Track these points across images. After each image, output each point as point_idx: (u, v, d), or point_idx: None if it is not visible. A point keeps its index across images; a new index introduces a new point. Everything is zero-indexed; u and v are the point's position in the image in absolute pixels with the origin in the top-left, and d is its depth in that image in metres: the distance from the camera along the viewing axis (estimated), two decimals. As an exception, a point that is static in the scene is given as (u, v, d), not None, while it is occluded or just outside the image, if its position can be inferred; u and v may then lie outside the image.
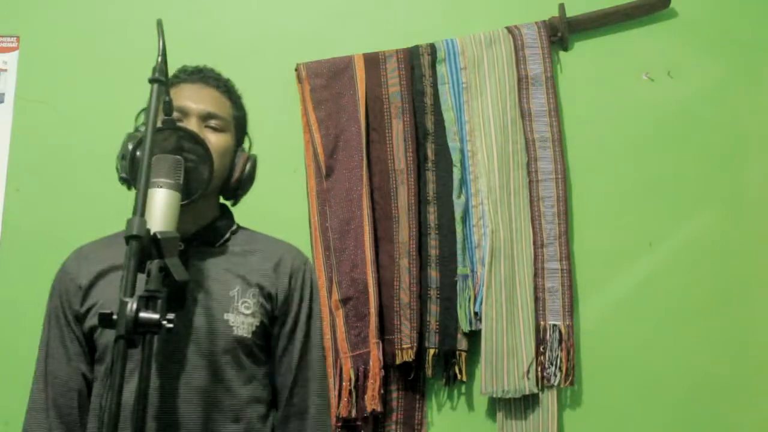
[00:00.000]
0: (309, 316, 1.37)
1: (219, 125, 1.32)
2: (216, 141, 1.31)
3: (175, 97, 1.30)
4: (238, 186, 1.36)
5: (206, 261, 1.30)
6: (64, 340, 1.31)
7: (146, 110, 1.10)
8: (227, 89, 1.39)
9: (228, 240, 1.36)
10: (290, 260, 1.38)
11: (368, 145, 1.89)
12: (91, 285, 1.29)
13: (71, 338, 1.31)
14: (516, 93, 1.91)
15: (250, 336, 1.26)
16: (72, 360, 1.30)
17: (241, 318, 1.26)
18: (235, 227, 1.40)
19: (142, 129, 1.33)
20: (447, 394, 1.85)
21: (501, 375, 1.77)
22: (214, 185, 1.33)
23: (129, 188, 1.28)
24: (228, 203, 1.43)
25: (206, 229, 1.33)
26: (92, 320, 1.27)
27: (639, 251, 1.92)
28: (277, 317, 1.34)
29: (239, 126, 1.40)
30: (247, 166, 1.37)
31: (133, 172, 1.24)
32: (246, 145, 1.45)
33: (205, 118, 1.31)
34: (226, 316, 1.25)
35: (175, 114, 1.29)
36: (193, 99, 1.31)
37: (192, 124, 1.29)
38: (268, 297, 1.32)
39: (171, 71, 1.13)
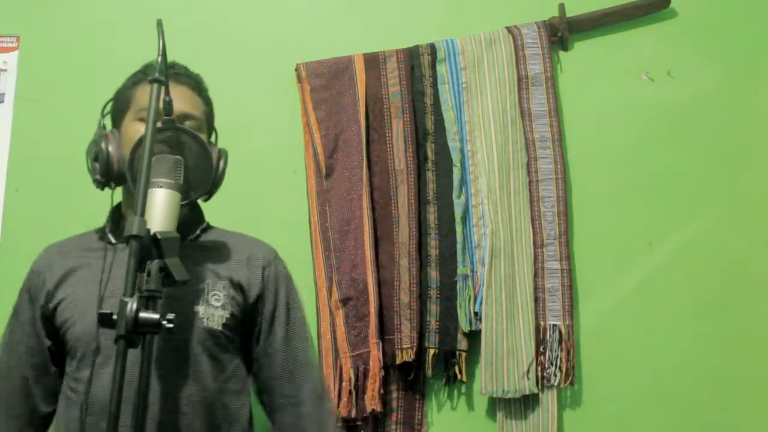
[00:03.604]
0: (287, 308, 1.36)
1: (195, 125, 1.30)
2: None
3: (147, 96, 1.21)
4: (213, 182, 1.34)
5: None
6: (23, 336, 1.32)
7: (147, 110, 1.10)
8: (198, 86, 1.37)
9: (199, 236, 1.36)
10: (261, 254, 1.37)
11: (368, 145, 1.89)
12: (61, 281, 1.30)
13: (31, 334, 1.31)
14: (516, 93, 1.91)
15: (220, 328, 1.26)
16: (26, 355, 1.31)
17: (211, 310, 1.26)
18: (205, 225, 1.40)
19: (107, 125, 1.33)
20: (447, 394, 1.85)
21: (501, 375, 1.77)
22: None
23: (102, 189, 1.28)
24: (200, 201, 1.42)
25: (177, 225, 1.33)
26: (62, 315, 1.27)
27: (639, 251, 1.92)
28: (252, 312, 1.33)
29: (209, 121, 1.39)
30: (221, 163, 1.34)
31: (132, 173, 1.24)
32: (213, 138, 1.43)
33: (181, 119, 1.28)
34: (196, 308, 1.25)
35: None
36: None
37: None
38: (239, 288, 1.31)
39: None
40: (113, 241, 1.31)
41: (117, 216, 1.36)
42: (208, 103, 1.39)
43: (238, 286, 1.31)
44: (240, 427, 1.29)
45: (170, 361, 1.22)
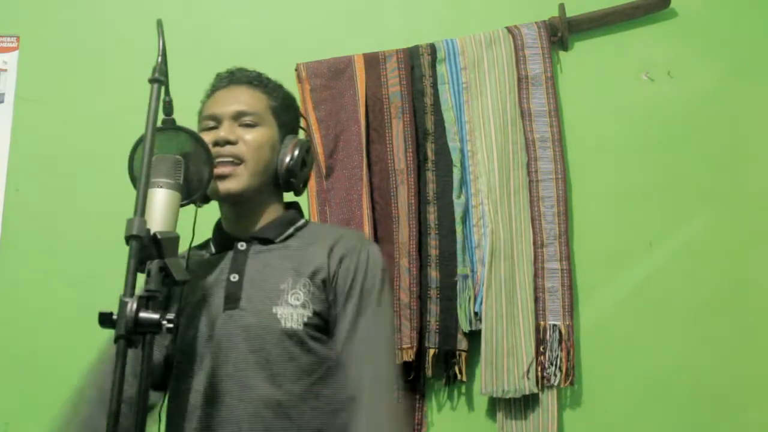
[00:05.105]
0: (363, 292, 1.27)
1: (251, 120, 1.30)
2: (250, 136, 1.30)
3: (210, 106, 1.33)
4: (290, 174, 1.32)
5: (263, 259, 1.29)
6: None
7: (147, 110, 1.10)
8: (259, 82, 1.36)
9: (292, 236, 1.33)
10: (346, 242, 1.31)
11: (368, 145, 1.90)
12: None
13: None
14: (516, 93, 1.91)
15: (301, 328, 1.22)
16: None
17: (290, 310, 1.22)
18: (302, 223, 1.37)
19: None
20: (447, 394, 1.85)
21: (501, 375, 1.77)
22: (263, 181, 1.31)
23: (200, 207, 1.29)
24: (295, 198, 1.41)
25: (265, 228, 1.32)
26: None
27: (639, 251, 1.92)
28: (333, 305, 1.27)
29: (280, 115, 1.36)
30: (296, 152, 1.32)
31: (132, 173, 1.24)
32: (303, 127, 1.42)
33: (236, 117, 1.30)
34: (274, 309, 1.22)
35: (210, 122, 1.31)
36: (222, 103, 1.32)
37: (225, 127, 1.29)
38: (323, 284, 1.26)
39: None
40: (213, 251, 1.34)
41: (217, 228, 1.37)
42: (276, 98, 1.37)
43: (320, 282, 1.26)
44: None
45: (249, 364, 1.20)
